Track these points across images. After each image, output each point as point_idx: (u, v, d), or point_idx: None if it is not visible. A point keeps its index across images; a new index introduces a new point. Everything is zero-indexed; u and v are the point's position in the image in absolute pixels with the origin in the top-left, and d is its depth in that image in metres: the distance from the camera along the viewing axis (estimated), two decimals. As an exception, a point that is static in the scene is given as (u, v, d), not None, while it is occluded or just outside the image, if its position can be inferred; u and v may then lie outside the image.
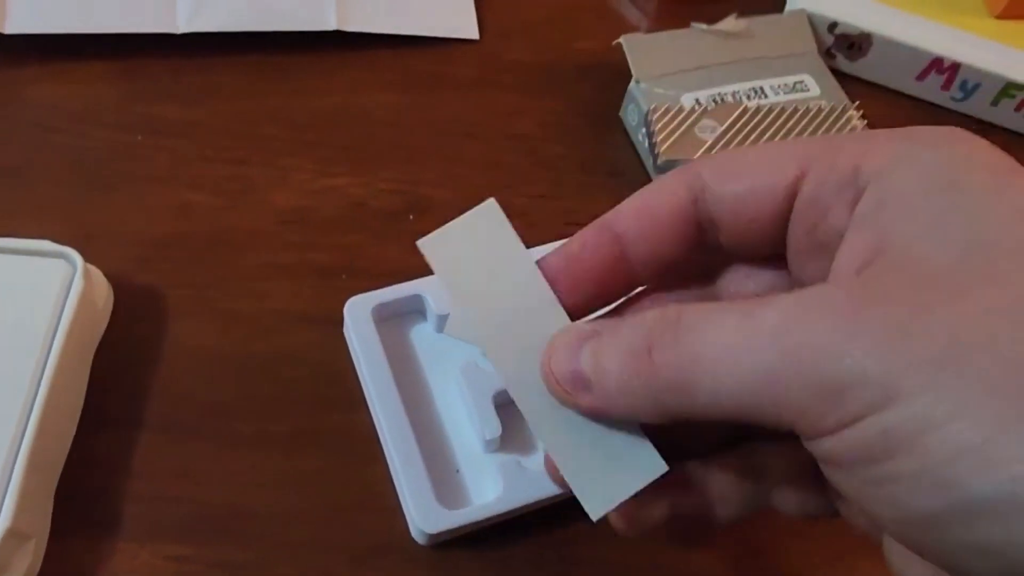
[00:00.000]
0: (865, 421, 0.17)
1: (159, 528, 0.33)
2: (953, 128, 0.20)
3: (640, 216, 0.23)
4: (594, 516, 0.22)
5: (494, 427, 0.34)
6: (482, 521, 0.33)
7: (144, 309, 0.38)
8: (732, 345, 0.18)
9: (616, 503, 0.22)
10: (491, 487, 0.34)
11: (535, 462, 0.34)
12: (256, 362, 0.37)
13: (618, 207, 0.23)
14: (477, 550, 0.34)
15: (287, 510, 0.34)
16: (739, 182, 0.22)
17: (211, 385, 0.36)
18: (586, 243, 0.23)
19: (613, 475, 0.22)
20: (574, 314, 0.23)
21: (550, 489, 0.32)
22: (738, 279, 0.24)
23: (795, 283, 0.23)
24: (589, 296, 0.23)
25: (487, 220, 0.23)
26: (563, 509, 0.33)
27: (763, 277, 0.24)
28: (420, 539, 0.33)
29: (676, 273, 0.24)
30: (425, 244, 0.23)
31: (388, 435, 0.34)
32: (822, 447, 0.18)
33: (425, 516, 0.32)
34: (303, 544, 0.34)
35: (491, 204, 0.23)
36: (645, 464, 0.22)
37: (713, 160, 0.22)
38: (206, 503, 0.34)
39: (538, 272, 0.23)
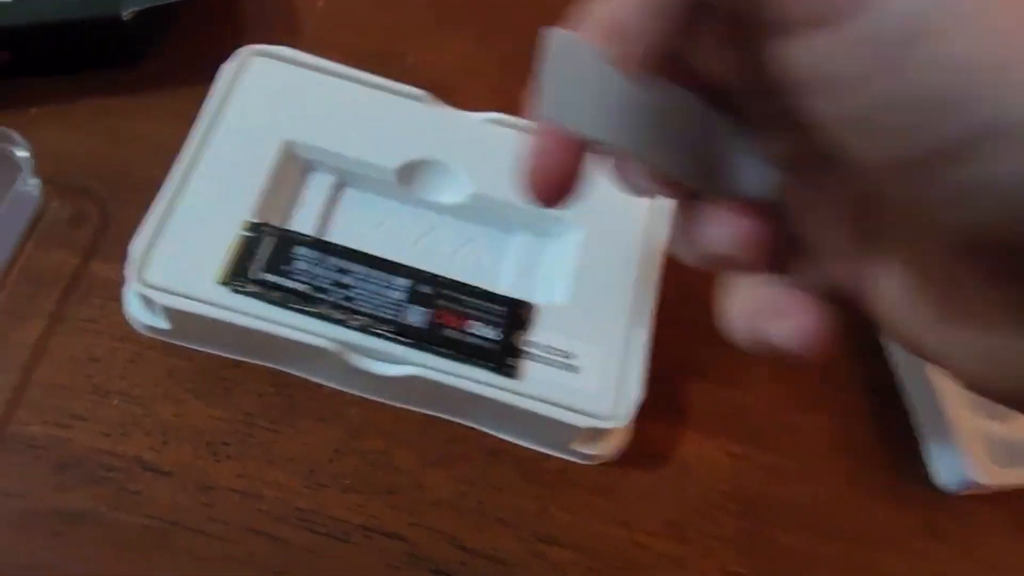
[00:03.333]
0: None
1: (717, 425, 0.37)
2: None
3: None
4: None
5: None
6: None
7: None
8: None
9: None
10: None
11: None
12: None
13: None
14: (992, 506, 0.37)
15: (820, 434, 0.38)
16: None
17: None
18: None
19: None
20: None
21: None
22: None
23: None
24: None
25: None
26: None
27: None
28: (952, 486, 0.37)
29: None
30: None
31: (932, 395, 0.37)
32: (806, 51, 0.15)
33: (976, 468, 0.35)
34: (833, 466, 0.37)
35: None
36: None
37: None
38: (752, 411, 0.38)
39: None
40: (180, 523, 0.33)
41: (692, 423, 0.37)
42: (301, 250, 0.35)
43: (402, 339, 0.33)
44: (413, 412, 0.36)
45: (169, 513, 0.33)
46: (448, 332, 0.34)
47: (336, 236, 0.37)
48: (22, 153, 0.37)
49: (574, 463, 0.36)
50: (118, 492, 0.33)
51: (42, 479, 0.33)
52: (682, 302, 0.39)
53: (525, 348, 0.34)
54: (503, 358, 0.34)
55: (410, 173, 0.37)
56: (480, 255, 0.38)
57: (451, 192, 0.38)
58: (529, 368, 0.34)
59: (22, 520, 0.32)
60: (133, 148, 0.40)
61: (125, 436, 0.34)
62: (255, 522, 0.33)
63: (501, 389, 0.33)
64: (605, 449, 0.36)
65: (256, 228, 0.35)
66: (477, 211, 0.38)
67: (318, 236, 0.36)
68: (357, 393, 0.36)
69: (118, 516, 0.33)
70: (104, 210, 0.38)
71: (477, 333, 0.34)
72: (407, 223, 0.38)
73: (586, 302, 0.36)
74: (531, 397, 0.33)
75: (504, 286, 0.36)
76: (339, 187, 0.38)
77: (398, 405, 0.36)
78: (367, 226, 0.38)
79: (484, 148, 0.38)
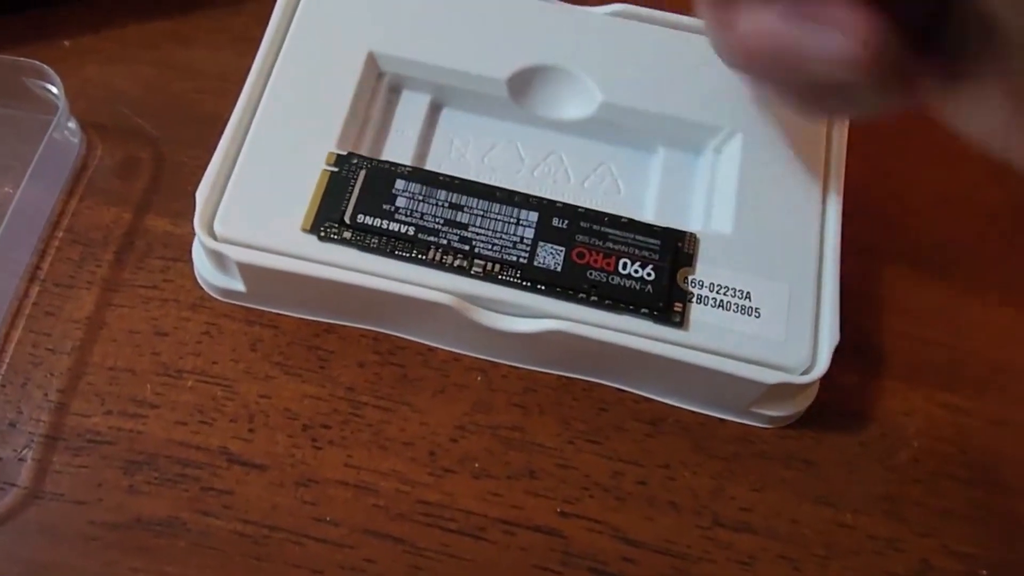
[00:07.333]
0: None
1: (923, 371, 0.30)
2: None
3: None
4: None
5: None
6: None
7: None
8: None
9: None
10: None
11: None
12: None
13: None
14: None
15: (1050, 376, 0.30)
16: None
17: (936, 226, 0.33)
18: None
19: None
20: None
21: None
22: None
23: None
24: None
25: None
26: None
27: None
28: None
29: None
30: None
31: None
32: None
33: None
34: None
35: None
36: None
37: None
38: (966, 350, 0.30)
39: None
40: (281, 527, 0.27)
41: (890, 371, 0.30)
42: (401, 184, 0.28)
43: (535, 286, 0.27)
44: (552, 376, 0.29)
45: (267, 516, 0.27)
46: (592, 274, 0.27)
47: (436, 168, 0.30)
48: (56, 91, 0.31)
49: (755, 428, 0.29)
50: (203, 493, 0.27)
51: (110, 482, 0.27)
52: (868, 222, 0.32)
53: (690, 289, 0.27)
54: (664, 303, 0.27)
55: (523, 84, 0.30)
56: (615, 181, 0.31)
57: (575, 105, 0.30)
58: (697, 314, 0.27)
59: (90, 532, 0.26)
60: (188, 79, 0.33)
61: (205, 424, 0.28)
62: (371, 521, 0.27)
63: (664, 342, 0.26)
64: (793, 409, 0.28)
65: (344, 161, 0.28)
66: (608, 126, 0.30)
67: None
68: (481, 356, 0.29)
69: (206, 522, 0.27)
70: (158, 155, 0.32)
71: (628, 273, 0.27)
72: (522, 147, 0.31)
73: (755, 228, 0.28)
74: (703, 350, 0.26)
75: (648, 217, 0.29)
76: (436, 108, 0.31)
77: (533, 368, 0.29)
78: (473, 154, 0.31)
79: (612, 48, 0.31)
